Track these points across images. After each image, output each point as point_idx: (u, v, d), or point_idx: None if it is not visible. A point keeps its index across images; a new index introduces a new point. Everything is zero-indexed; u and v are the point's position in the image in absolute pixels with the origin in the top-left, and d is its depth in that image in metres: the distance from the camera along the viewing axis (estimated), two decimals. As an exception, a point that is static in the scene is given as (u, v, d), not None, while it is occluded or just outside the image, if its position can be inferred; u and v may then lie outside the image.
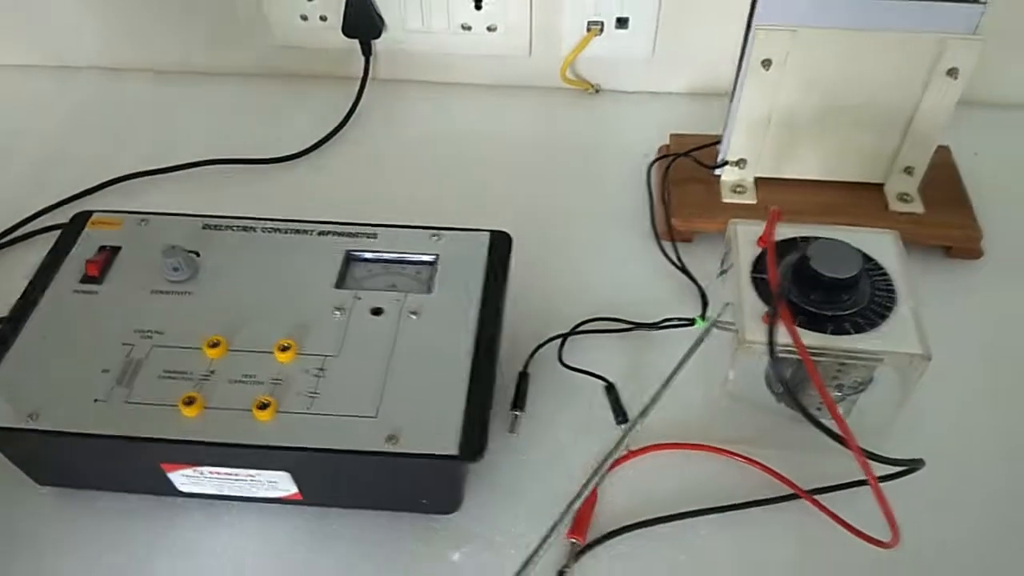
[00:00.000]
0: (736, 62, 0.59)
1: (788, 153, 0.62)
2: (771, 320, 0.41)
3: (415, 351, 0.46)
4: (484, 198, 0.68)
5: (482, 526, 0.48)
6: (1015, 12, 0.70)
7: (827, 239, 0.45)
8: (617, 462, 0.50)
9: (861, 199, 0.63)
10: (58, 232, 0.53)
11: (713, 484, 0.50)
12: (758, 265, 0.47)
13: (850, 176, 0.63)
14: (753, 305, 0.45)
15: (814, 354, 0.43)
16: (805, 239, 0.47)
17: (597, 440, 0.51)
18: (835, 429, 0.41)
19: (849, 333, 0.43)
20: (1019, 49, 0.72)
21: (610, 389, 0.53)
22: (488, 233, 0.53)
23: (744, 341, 0.43)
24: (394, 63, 0.77)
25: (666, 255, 0.62)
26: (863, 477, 0.46)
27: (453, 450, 0.42)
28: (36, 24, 0.79)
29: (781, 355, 0.42)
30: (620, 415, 0.52)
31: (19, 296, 0.49)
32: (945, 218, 0.62)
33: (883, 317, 0.44)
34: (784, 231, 0.48)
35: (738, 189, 0.64)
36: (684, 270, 0.61)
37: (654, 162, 0.68)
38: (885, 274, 0.46)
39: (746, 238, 0.49)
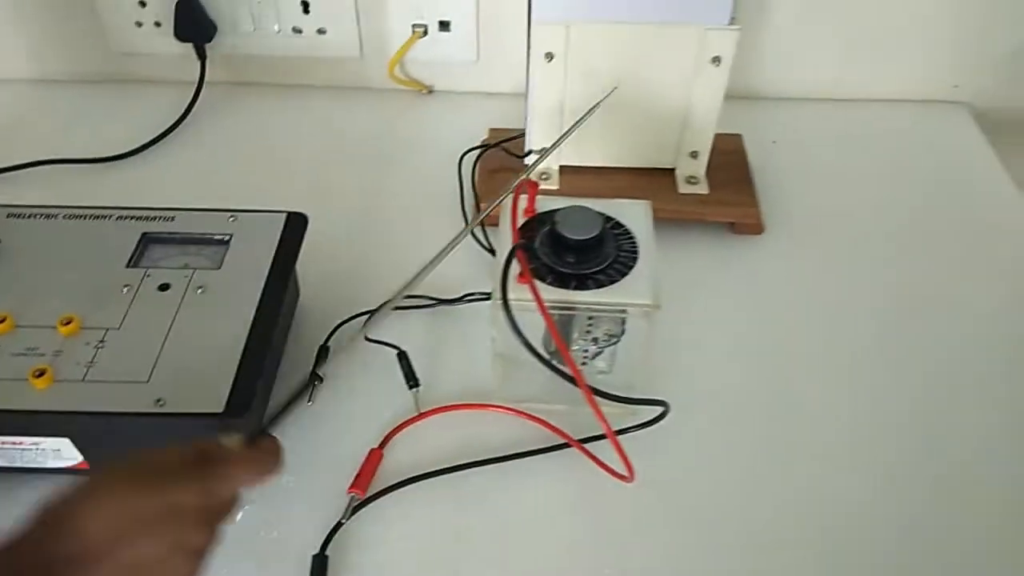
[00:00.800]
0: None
1: (586, 141, 0.67)
2: (504, 274, 0.46)
3: (197, 323, 0.49)
4: (308, 191, 0.72)
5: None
6: (816, 16, 0.77)
7: (574, 206, 0.50)
8: (407, 423, 0.54)
9: (654, 182, 0.68)
10: None
11: (495, 439, 0.53)
12: (522, 233, 0.51)
13: (644, 162, 0.69)
14: (512, 268, 0.49)
15: (559, 308, 0.47)
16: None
17: (391, 406, 0.55)
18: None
19: (590, 288, 0.48)
20: (817, 48, 0.79)
21: (402, 356, 0.56)
22: (284, 214, 0.56)
23: (498, 299, 0.47)
24: (231, 66, 0.80)
25: (475, 238, 0.67)
26: (629, 425, 0.51)
27: (218, 408, 0.45)
28: None
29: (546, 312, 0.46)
30: (411, 380, 0.55)
31: None
32: (728, 197, 0.67)
33: (624, 274, 0.49)
34: (550, 203, 0.53)
35: (543, 176, 0.68)
36: (491, 250, 0.65)
37: (466, 153, 0.72)
38: (632, 237, 0.51)
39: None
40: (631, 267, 0.49)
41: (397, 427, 0.53)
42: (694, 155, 0.67)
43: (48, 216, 0.56)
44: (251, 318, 0.49)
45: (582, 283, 0.48)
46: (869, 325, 0.62)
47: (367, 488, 0.50)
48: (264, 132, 0.78)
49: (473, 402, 0.55)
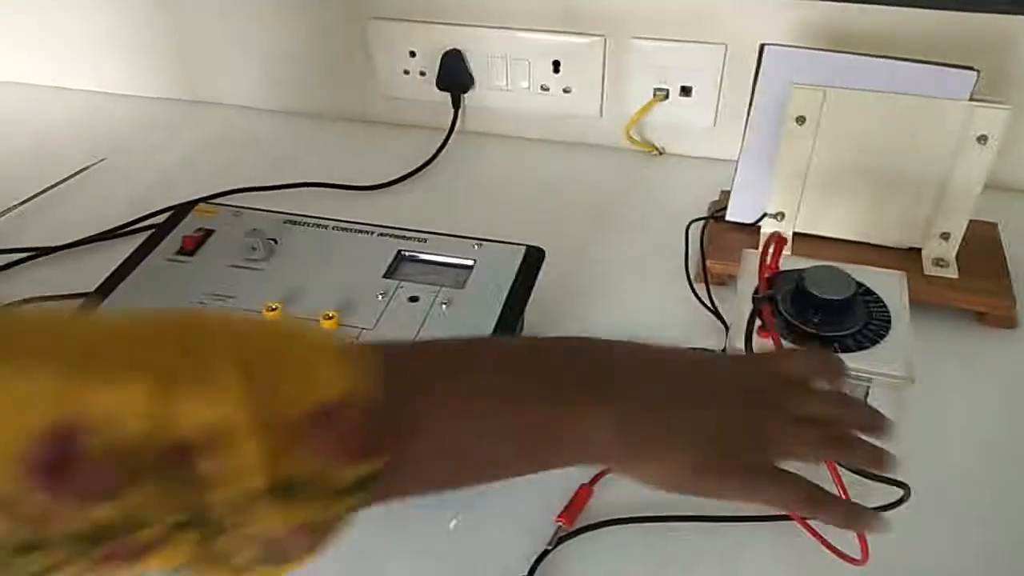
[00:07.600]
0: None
1: (825, 210, 0.66)
2: (749, 325, 0.45)
3: (439, 334, 0.52)
4: (536, 238, 0.75)
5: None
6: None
7: (825, 266, 0.48)
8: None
9: (897, 261, 0.64)
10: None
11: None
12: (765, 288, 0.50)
13: (887, 239, 0.66)
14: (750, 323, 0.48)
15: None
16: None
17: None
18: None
19: (838, 352, 0.46)
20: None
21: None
22: (524, 247, 0.59)
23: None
24: (479, 117, 0.86)
25: (698, 296, 0.66)
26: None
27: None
28: (190, 61, 0.94)
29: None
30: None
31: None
32: (979, 285, 0.63)
33: (874, 342, 0.47)
34: (794, 262, 0.52)
35: (776, 242, 0.67)
36: (712, 308, 0.64)
37: (696, 220, 0.72)
38: (884, 306, 0.49)
39: (752, 265, 0.52)
40: (882, 336, 0.47)
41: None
42: (945, 236, 0.63)
43: (319, 226, 0.62)
44: (487, 334, 0.52)
45: (828, 345, 0.46)
46: None
47: (574, 521, 0.50)
48: (503, 179, 0.83)
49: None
